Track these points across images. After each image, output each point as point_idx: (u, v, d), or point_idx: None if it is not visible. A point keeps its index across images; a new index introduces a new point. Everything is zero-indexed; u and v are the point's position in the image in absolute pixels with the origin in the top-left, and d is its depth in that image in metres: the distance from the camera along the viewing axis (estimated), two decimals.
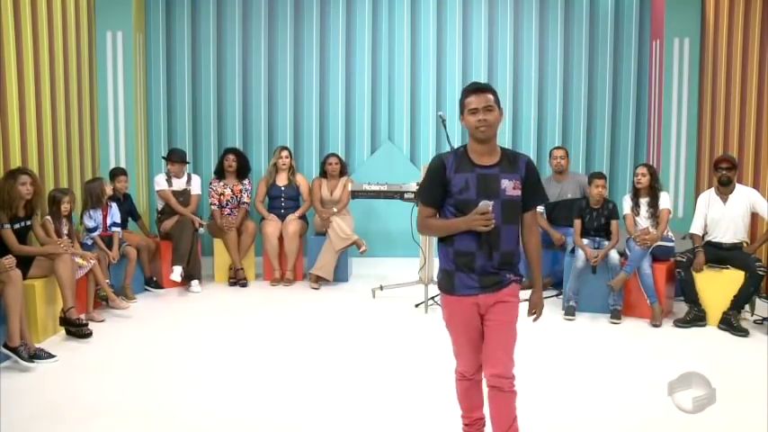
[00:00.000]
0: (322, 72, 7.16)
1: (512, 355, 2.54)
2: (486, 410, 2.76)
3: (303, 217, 6.29)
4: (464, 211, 2.44)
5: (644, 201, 5.10)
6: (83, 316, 4.55)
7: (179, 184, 6.07)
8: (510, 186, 2.45)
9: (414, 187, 5.49)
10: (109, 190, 5.41)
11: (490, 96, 2.44)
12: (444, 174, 2.48)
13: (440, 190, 2.49)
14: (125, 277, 5.34)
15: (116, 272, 5.30)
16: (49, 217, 4.66)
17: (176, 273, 5.56)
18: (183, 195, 6.06)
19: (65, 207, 4.73)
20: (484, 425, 2.76)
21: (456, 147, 2.65)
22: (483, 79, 7.15)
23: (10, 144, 4.82)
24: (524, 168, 2.50)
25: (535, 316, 2.66)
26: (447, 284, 2.54)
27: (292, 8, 7.09)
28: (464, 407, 2.74)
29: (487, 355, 2.52)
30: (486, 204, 2.38)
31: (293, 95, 7.16)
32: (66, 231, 4.75)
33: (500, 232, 2.44)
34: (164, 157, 6.25)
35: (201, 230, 6.00)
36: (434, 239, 4.62)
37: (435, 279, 2.70)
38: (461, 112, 2.51)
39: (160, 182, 6.06)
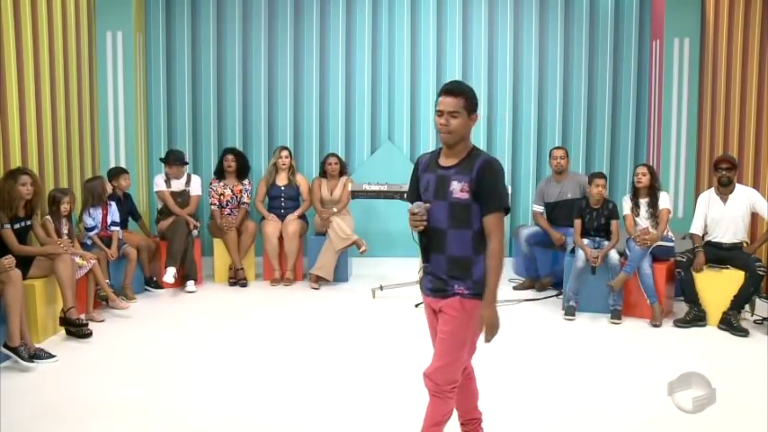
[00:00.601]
0: (322, 72, 7.16)
1: (444, 362, 2.41)
2: (483, 407, 2.77)
3: (303, 217, 6.29)
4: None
5: (644, 201, 5.09)
6: (83, 316, 4.55)
7: (178, 185, 6.07)
8: (458, 188, 2.36)
9: None
10: (108, 188, 5.42)
11: (459, 101, 2.35)
12: (416, 172, 2.56)
13: (417, 187, 2.56)
14: (125, 277, 5.34)
15: (116, 272, 5.30)
16: (48, 217, 4.66)
17: (169, 274, 5.56)
18: (182, 196, 6.06)
19: (64, 207, 4.73)
20: (479, 423, 2.76)
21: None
22: (483, 79, 7.17)
23: (10, 144, 4.82)
24: (476, 170, 2.35)
25: (486, 337, 2.37)
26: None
27: (292, 8, 7.09)
28: (456, 406, 2.70)
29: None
30: (416, 205, 2.40)
31: (293, 95, 7.16)
32: (65, 231, 4.76)
33: (446, 236, 2.40)
34: (161, 160, 6.24)
35: (195, 232, 6.00)
36: None
37: None
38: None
39: (159, 183, 6.06)
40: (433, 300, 2.49)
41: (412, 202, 2.55)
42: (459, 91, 2.38)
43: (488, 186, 2.35)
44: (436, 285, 2.46)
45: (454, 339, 2.41)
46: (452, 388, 2.44)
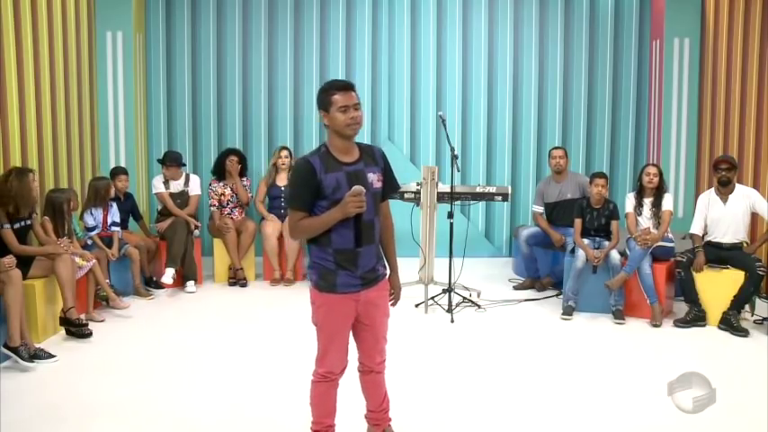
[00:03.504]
0: (322, 72, 7.16)
1: (386, 340, 2.76)
2: (483, 407, 2.77)
3: None
4: None
5: (648, 200, 5.09)
6: (83, 316, 4.55)
7: (176, 186, 6.06)
8: (375, 179, 2.51)
9: (414, 187, 5.50)
10: (111, 192, 5.42)
11: (357, 95, 2.47)
12: (315, 176, 2.41)
13: (311, 193, 2.42)
14: (133, 278, 5.40)
15: (117, 272, 5.31)
16: (47, 217, 4.66)
17: (168, 275, 5.57)
18: (182, 197, 6.06)
19: (63, 207, 4.73)
20: (333, 429, 2.75)
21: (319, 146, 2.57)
22: (483, 79, 7.17)
23: (10, 144, 4.82)
24: (380, 159, 2.57)
25: (393, 300, 2.74)
26: (328, 284, 2.49)
27: (292, 8, 7.09)
28: (318, 412, 2.69)
29: (370, 347, 2.67)
30: (359, 188, 2.37)
31: (293, 95, 7.16)
32: (65, 231, 4.75)
33: (374, 225, 2.51)
34: (159, 161, 6.21)
35: (197, 233, 5.99)
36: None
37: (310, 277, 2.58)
38: (324, 109, 2.45)
39: (157, 184, 6.05)
40: (364, 292, 2.52)
41: (300, 209, 2.42)
42: (353, 86, 2.48)
43: (391, 173, 2.62)
44: (368, 277, 2.53)
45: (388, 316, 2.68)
46: None
